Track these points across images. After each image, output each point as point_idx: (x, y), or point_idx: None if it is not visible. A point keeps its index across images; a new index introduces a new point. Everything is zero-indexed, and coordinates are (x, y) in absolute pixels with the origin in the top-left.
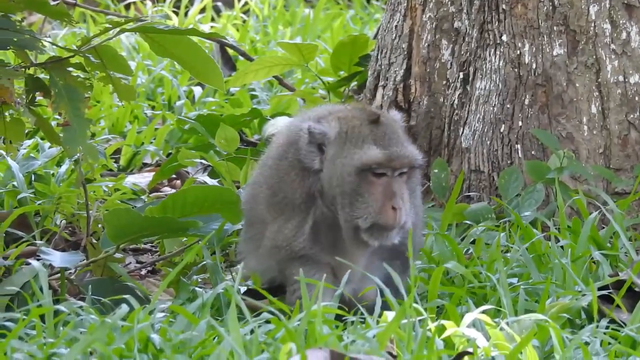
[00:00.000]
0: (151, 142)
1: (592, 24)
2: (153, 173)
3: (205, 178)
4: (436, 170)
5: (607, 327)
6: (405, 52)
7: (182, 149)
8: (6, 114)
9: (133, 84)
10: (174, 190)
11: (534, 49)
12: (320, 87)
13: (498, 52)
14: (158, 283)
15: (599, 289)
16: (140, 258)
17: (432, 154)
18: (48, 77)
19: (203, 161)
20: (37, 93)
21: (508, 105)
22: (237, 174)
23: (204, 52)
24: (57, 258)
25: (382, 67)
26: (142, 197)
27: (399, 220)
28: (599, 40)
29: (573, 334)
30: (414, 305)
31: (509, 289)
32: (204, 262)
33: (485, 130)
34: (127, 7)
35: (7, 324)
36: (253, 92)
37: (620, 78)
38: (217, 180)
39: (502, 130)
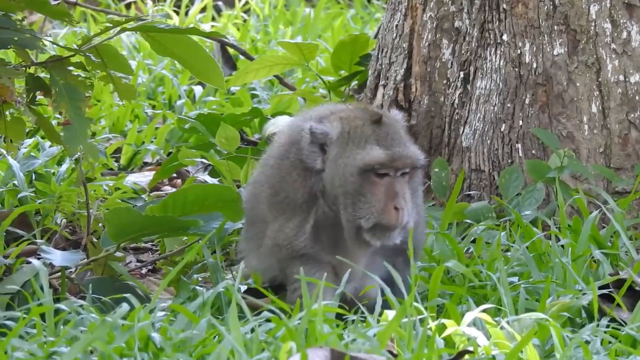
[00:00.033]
0: (152, 141)
1: (593, 24)
2: (154, 172)
3: (205, 177)
4: (437, 170)
5: (607, 326)
6: (406, 52)
7: (183, 148)
8: (7, 113)
9: (134, 83)
10: (174, 190)
11: (535, 48)
12: (321, 86)
13: (499, 52)
14: (158, 282)
15: (600, 287)
16: (141, 257)
17: (432, 153)
18: (49, 76)
19: (204, 160)
20: (37, 92)
21: (508, 105)
22: (237, 173)
23: (205, 51)
24: (57, 257)
25: (383, 66)
26: (143, 196)
27: (401, 220)
28: (600, 40)
29: (573, 332)
30: (415, 304)
31: (510, 288)
32: (205, 261)
33: (486, 129)
34: (128, 6)
35: (8, 322)
36: (254, 92)
37: (621, 77)
38: (217, 179)
39: (502, 129)
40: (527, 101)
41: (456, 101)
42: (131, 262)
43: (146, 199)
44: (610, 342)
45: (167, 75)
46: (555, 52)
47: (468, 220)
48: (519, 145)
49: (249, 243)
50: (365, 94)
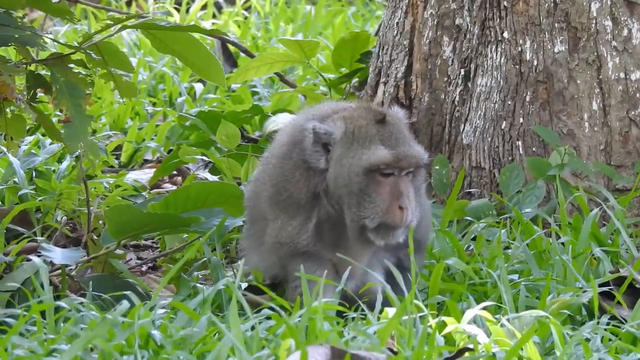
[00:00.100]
0: (152, 139)
1: (594, 21)
2: (154, 169)
3: (206, 174)
4: (437, 167)
5: (607, 324)
6: (407, 49)
7: (183, 146)
8: (7, 110)
9: (134, 81)
10: (174, 187)
11: (535, 45)
12: (322, 83)
13: (499, 49)
14: (159, 279)
15: (600, 285)
16: (141, 254)
17: (433, 151)
18: (49, 73)
19: (204, 158)
20: (38, 89)
21: (509, 102)
22: (238, 170)
23: (206, 48)
24: (58, 254)
25: (384, 63)
26: (143, 193)
27: (405, 220)
28: (600, 37)
29: (574, 330)
30: (415, 301)
31: (510, 285)
32: (205, 259)
33: (486, 127)
34: (129, 3)
35: (8, 320)
36: (254, 89)
37: (622, 75)
38: (218, 176)
39: (503, 127)
40: (527, 99)
41: (457, 98)
42: (131, 259)
43: (146, 196)
44: (610, 340)
45: (167, 73)
46: (556, 50)
47: (468, 218)
48: (520, 143)
49: (251, 241)
50: (365, 92)
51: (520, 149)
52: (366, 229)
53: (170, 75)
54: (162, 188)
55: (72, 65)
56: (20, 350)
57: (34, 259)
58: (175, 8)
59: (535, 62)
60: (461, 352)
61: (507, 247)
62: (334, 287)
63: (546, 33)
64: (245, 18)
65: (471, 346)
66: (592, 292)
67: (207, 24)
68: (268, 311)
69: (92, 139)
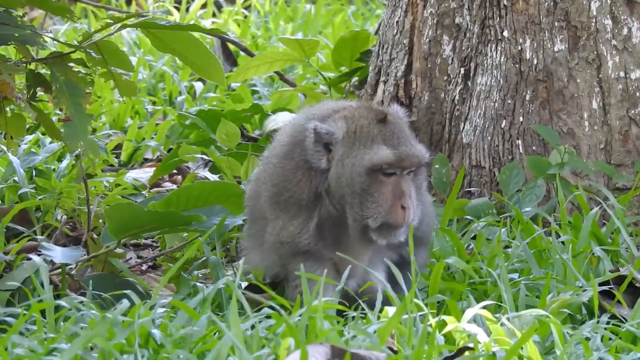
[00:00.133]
0: (152, 138)
1: (593, 20)
2: (154, 168)
3: (206, 173)
4: (437, 166)
5: (607, 323)
6: (407, 48)
7: (183, 144)
8: (7, 109)
9: (134, 80)
10: (174, 186)
11: (535, 44)
12: (322, 82)
13: (499, 48)
14: (159, 278)
15: (600, 284)
16: (141, 253)
17: (433, 150)
18: (49, 72)
19: (204, 156)
20: (38, 88)
21: (509, 101)
22: (238, 169)
23: (205, 47)
24: (58, 253)
25: (384, 62)
26: (143, 192)
27: (407, 219)
28: (600, 36)
29: (574, 329)
30: (415, 300)
31: (510, 284)
32: (205, 258)
33: (486, 125)
34: (129, 2)
35: (8, 319)
36: (254, 88)
37: (621, 74)
38: (217, 175)
39: (503, 125)
40: (527, 97)
41: (457, 97)
42: (131, 258)
43: (146, 195)
44: (610, 339)
45: (167, 72)
46: (555, 49)
47: (468, 217)
48: (520, 142)
49: (252, 240)
50: (365, 90)
51: (520, 147)
52: (368, 229)
53: (170, 74)
54: (162, 187)
55: (72, 64)
56: (20, 349)
57: (34, 257)
58: (175, 7)
59: (535, 61)
60: (461, 351)
61: (507, 246)
62: (334, 286)
63: (546, 32)
64: (245, 17)
65: (471, 345)
66: (592, 291)
67: (207, 23)
68: (268, 310)
69: (92, 138)
